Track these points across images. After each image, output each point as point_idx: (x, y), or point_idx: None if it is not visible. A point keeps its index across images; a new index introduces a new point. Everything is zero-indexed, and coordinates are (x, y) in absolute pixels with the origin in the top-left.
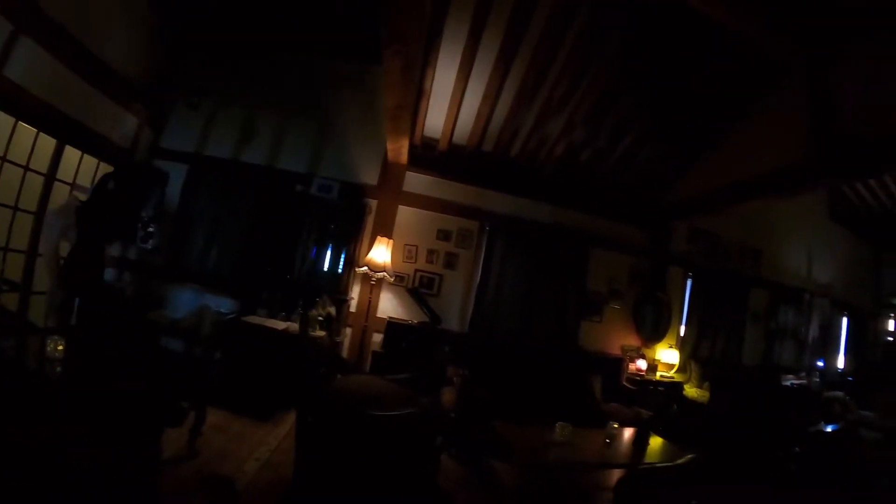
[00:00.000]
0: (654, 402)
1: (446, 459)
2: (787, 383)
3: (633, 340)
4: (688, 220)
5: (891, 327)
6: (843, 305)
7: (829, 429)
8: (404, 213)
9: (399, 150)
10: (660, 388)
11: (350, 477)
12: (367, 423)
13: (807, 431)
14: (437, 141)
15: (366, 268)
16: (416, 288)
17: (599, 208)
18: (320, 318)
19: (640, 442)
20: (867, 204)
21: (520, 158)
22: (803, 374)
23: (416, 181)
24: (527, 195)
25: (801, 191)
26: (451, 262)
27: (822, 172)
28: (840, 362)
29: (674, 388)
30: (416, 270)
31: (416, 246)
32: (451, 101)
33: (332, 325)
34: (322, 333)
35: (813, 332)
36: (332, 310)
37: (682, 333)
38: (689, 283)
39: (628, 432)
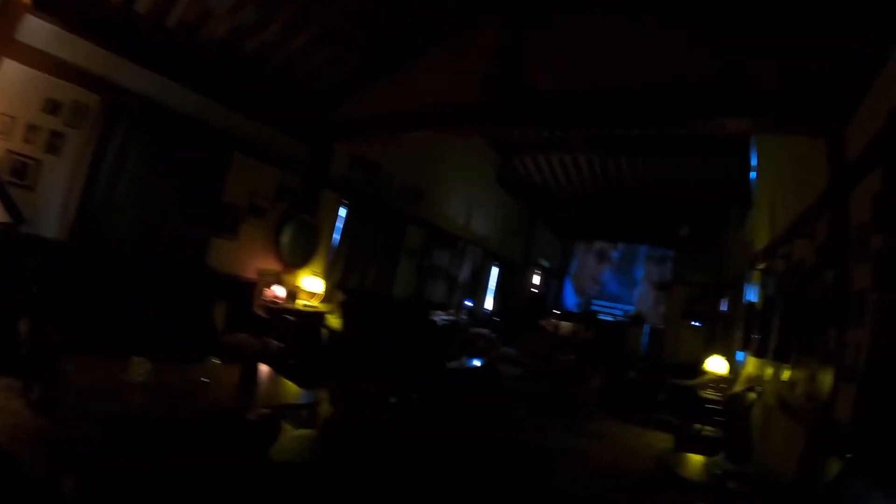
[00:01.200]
0: (287, 333)
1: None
2: (437, 318)
3: (272, 264)
4: (352, 143)
5: (536, 281)
6: (495, 256)
7: (474, 363)
8: (10, 71)
9: None
10: (290, 318)
11: None
12: None
13: (444, 368)
14: None
15: None
16: None
17: (255, 110)
18: None
19: (247, 380)
20: (529, 176)
21: (175, 31)
22: (453, 311)
23: (37, 30)
24: (173, 76)
25: (466, 129)
26: (55, 144)
27: (488, 114)
28: (489, 304)
29: (315, 318)
30: (8, 151)
31: (14, 117)
32: None
33: None
34: None
35: (465, 274)
36: None
37: (329, 261)
38: (343, 209)
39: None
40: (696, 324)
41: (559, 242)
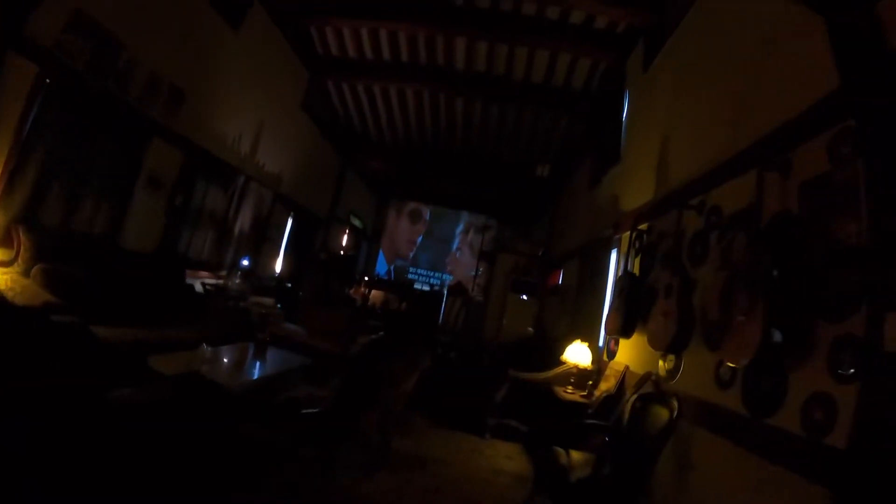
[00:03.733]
0: None
1: None
2: (197, 282)
3: None
4: None
5: (344, 242)
6: (291, 204)
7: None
8: None
9: None
10: None
11: None
12: None
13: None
14: None
15: None
16: None
17: None
18: None
19: None
20: (344, 107)
21: None
22: (224, 272)
23: None
24: None
25: None
26: None
27: None
28: (277, 266)
29: None
30: None
31: None
32: None
33: None
34: None
35: (244, 223)
36: None
37: (9, 176)
38: (41, 93)
39: None
40: (524, 297)
41: (374, 200)
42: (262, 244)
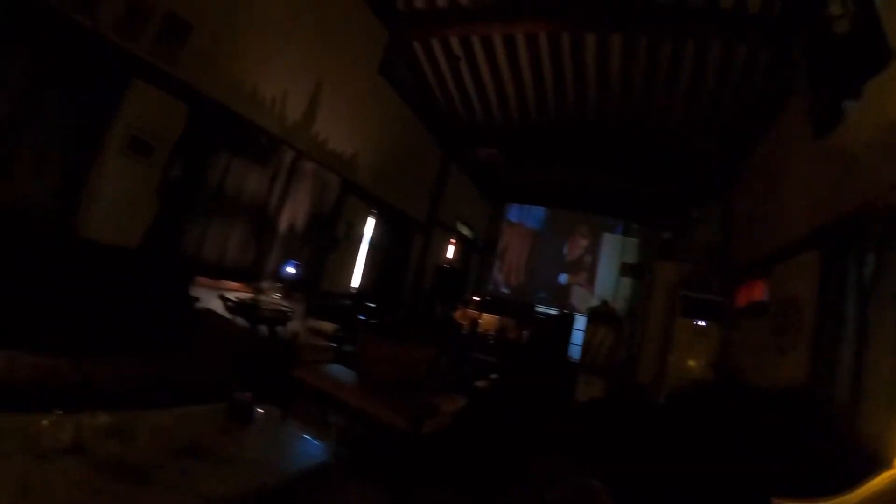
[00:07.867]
0: None
1: None
2: (213, 296)
3: None
4: None
5: (450, 253)
6: (370, 198)
7: None
8: None
9: None
10: None
11: None
12: None
13: None
14: None
15: None
16: None
17: None
18: None
19: None
20: (438, 76)
21: None
22: (264, 283)
23: None
24: None
25: None
26: None
27: None
28: (355, 278)
29: None
30: None
31: None
32: None
33: None
34: None
35: (295, 216)
36: None
37: None
38: None
39: None
40: (701, 323)
41: (487, 204)
42: (328, 248)
